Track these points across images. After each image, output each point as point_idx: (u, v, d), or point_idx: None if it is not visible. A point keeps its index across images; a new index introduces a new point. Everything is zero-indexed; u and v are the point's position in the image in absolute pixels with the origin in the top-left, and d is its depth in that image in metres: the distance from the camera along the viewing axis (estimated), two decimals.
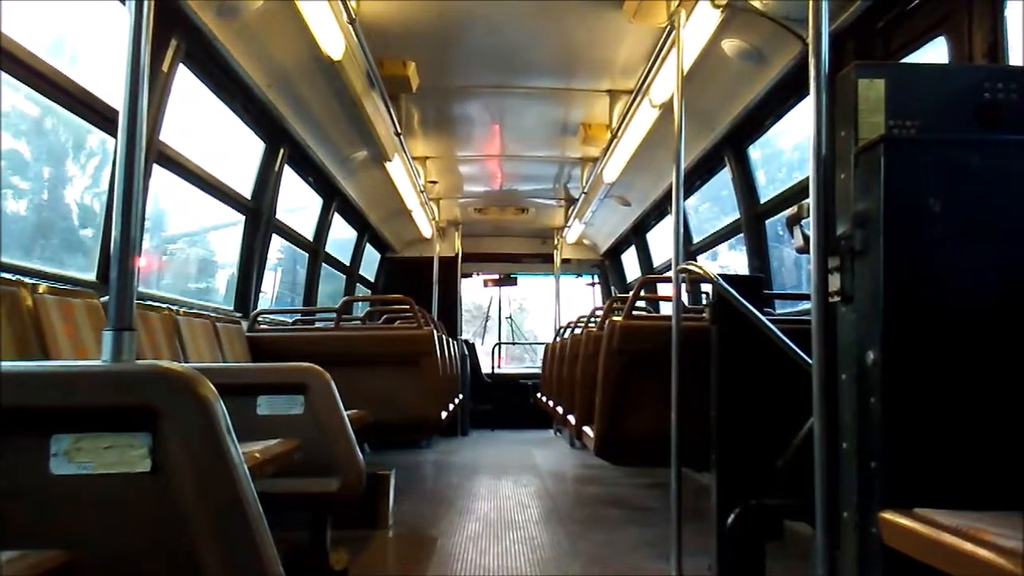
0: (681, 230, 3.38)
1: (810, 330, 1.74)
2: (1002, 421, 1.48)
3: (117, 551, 1.38)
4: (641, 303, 5.29)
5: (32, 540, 1.34)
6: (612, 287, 10.97)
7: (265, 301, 6.50)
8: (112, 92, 3.39)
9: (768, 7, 3.85)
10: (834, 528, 1.63)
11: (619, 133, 5.86)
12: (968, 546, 1.20)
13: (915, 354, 1.49)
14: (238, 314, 5.33)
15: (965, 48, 2.90)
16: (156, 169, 4.00)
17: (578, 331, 5.66)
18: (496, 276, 11.67)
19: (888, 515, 1.43)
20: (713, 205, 7.59)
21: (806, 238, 1.77)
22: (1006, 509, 1.37)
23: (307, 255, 7.36)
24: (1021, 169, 1.56)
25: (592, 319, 5.75)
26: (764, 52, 4.30)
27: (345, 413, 2.96)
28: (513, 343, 12.87)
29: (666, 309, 7.21)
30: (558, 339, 7.15)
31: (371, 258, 10.20)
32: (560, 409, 5.96)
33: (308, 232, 7.20)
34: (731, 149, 5.62)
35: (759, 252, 5.60)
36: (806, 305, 4.68)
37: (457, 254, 10.83)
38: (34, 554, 1.30)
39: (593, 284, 11.68)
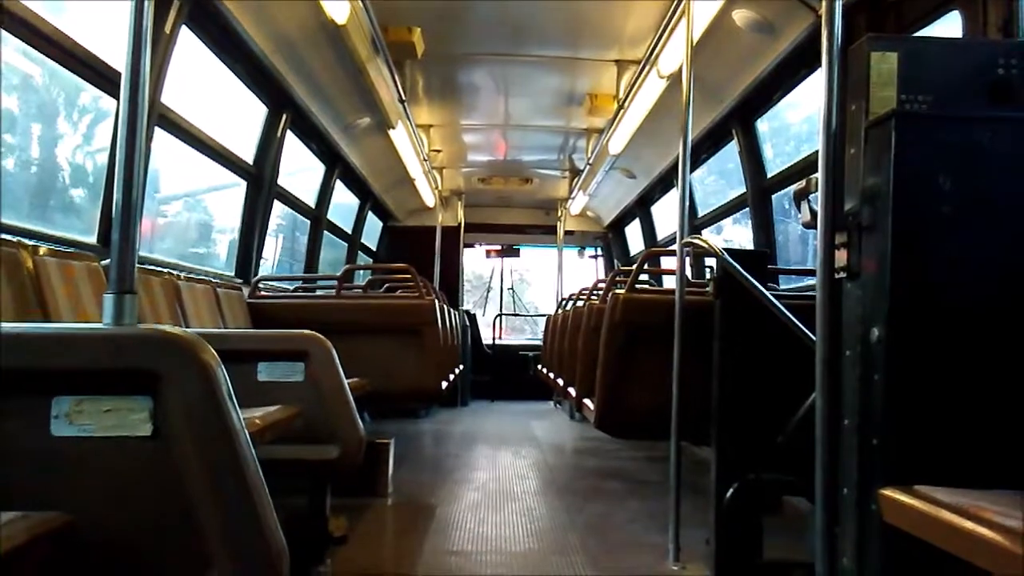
0: (687, 203, 3.36)
1: (814, 306, 1.73)
2: (1005, 401, 1.48)
3: (117, 514, 1.39)
4: (644, 276, 5.28)
5: (32, 502, 1.34)
6: (615, 260, 10.95)
7: (265, 268, 6.49)
8: (112, 51, 3.36)
9: None
10: (833, 504, 1.64)
11: (626, 104, 5.80)
12: (968, 524, 1.20)
13: (920, 332, 1.48)
14: (239, 280, 5.33)
15: (979, 22, 2.85)
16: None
17: (580, 303, 5.66)
18: (499, 247, 11.64)
19: (888, 492, 1.43)
20: (719, 178, 7.54)
21: (813, 213, 1.76)
22: (1007, 488, 1.37)
23: (308, 222, 7.34)
24: None
25: (595, 292, 5.74)
26: (775, 23, 4.25)
27: (346, 381, 2.96)
28: (515, 315, 12.88)
29: (669, 283, 7.20)
30: (560, 311, 7.15)
31: (373, 226, 10.17)
32: (561, 381, 5.97)
33: (307, 198, 7.17)
34: (739, 122, 5.57)
35: (765, 227, 5.58)
36: (811, 281, 4.67)
37: (460, 224, 10.79)
38: (34, 515, 1.30)
39: (596, 256, 11.66)
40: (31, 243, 2.75)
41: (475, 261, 12.29)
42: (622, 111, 5.96)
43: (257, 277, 5.42)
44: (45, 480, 1.38)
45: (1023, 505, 1.23)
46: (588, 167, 8.11)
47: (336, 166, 7.38)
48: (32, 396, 1.38)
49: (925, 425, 1.47)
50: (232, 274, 5.43)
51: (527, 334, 12.89)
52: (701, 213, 7.19)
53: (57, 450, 1.38)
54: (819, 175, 1.72)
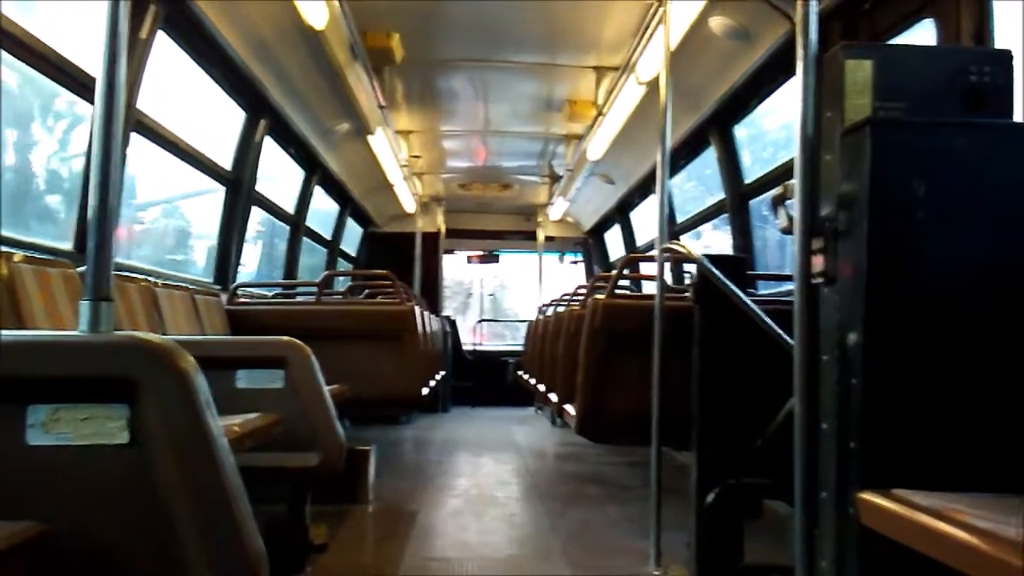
0: (666, 209, 3.38)
1: (792, 311, 1.74)
2: (981, 404, 1.49)
3: (94, 523, 1.37)
4: (624, 282, 5.30)
5: (8, 511, 1.33)
6: (595, 265, 10.97)
7: (244, 275, 6.45)
8: (87, 56, 3.32)
9: None
10: (812, 508, 1.64)
11: (604, 110, 5.83)
12: (944, 526, 1.21)
13: (897, 336, 1.50)
14: (217, 287, 5.29)
15: (952, 30, 2.89)
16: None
17: (561, 309, 5.67)
18: (479, 253, 11.63)
19: (866, 495, 1.44)
20: (698, 184, 7.59)
21: (790, 219, 1.77)
22: (983, 491, 1.38)
23: (287, 228, 7.30)
24: (1005, 152, 1.56)
25: (575, 297, 5.75)
26: (751, 31, 4.29)
27: (326, 388, 2.95)
28: (495, 320, 12.87)
29: (649, 288, 7.22)
30: (540, 317, 7.15)
31: (353, 233, 10.13)
32: (542, 387, 5.98)
33: (286, 204, 7.13)
34: (716, 128, 5.61)
35: (743, 232, 5.62)
36: (789, 286, 4.69)
37: (439, 230, 10.77)
38: (10, 525, 1.28)
39: (576, 262, 11.68)
40: (5, 250, 2.71)
41: (456, 267, 12.27)
42: (601, 117, 5.99)
43: (236, 283, 5.38)
44: (21, 489, 1.37)
45: (999, 508, 1.24)
46: (568, 173, 8.12)
47: (315, 172, 7.34)
48: (7, 405, 1.37)
49: (903, 429, 1.48)
50: (210, 281, 5.39)
51: (508, 340, 12.89)
52: (680, 219, 7.23)
53: (33, 459, 1.36)
54: (796, 181, 1.73)
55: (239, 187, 5.48)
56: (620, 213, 9.32)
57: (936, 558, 1.22)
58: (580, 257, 11.61)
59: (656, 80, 3.95)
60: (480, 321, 11.87)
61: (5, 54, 3.03)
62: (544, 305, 7.85)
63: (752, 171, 5.60)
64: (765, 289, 5.24)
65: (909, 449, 1.48)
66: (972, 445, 1.48)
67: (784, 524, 1.86)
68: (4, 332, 1.44)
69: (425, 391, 5.54)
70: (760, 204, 5.52)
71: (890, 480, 1.44)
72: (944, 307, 1.51)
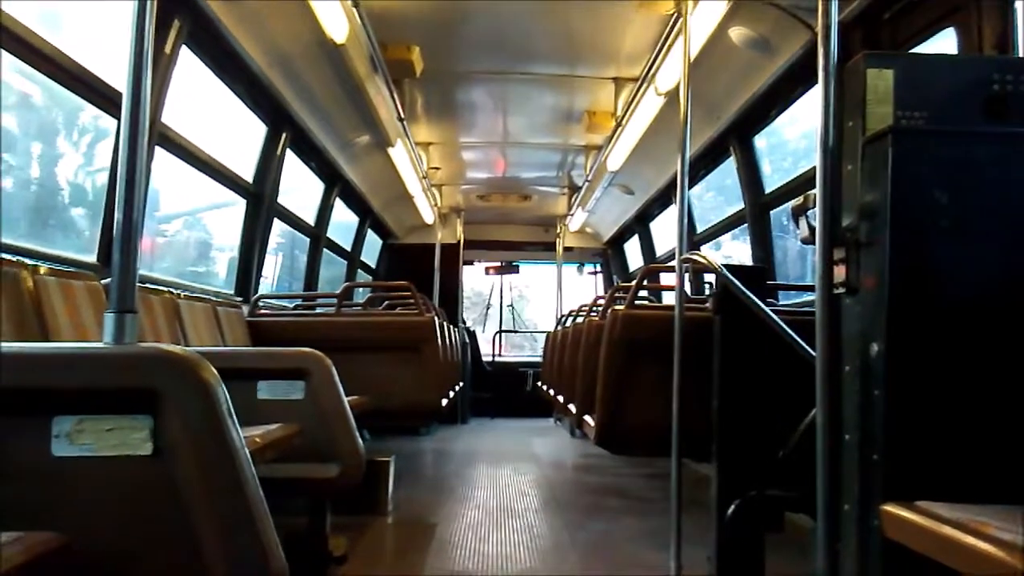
0: (685, 219, 3.37)
1: (814, 321, 1.73)
2: (1005, 415, 1.48)
3: (117, 533, 1.38)
4: (643, 292, 5.29)
5: (32, 522, 1.34)
6: (614, 276, 10.96)
7: (265, 286, 6.49)
8: (111, 70, 3.38)
9: None
10: (835, 520, 1.63)
11: (624, 121, 5.83)
12: (969, 539, 1.20)
13: (919, 347, 1.48)
14: (239, 298, 5.33)
15: (974, 39, 2.87)
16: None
17: (580, 320, 5.66)
18: (498, 264, 11.65)
19: (889, 507, 1.42)
20: (718, 194, 7.57)
21: (812, 229, 1.76)
22: (1008, 503, 1.36)
23: (307, 240, 7.35)
24: None
25: (594, 308, 5.74)
26: (771, 41, 4.28)
27: (345, 399, 2.96)
28: (514, 331, 12.87)
29: (669, 299, 7.20)
30: (559, 328, 7.14)
31: (372, 244, 10.18)
32: (561, 398, 5.96)
33: (307, 216, 7.18)
34: (736, 138, 5.60)
35: (763, 242, 5.59)
36: (810, 296, 4.67)
37: (459, 241, 10.80)
38: (33, 535, 1.29)
39: (596, 273, 11.67)
40: (31, 262, 2.75)
41: (474, 278, 12.30)
42: (620, 128, 5.99)
43: (257, 295, 5.42)
44: (46, 500, 1.38)
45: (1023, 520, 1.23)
46: (587, 184, 8.13)
47: (336, 184, 7.39)
48: (33, 416, 1.38)
49: (926, 440, 1.47)
50: (232, 292, 5.44)
51: (527, 351, 12.89)
52: (700, 229, 7.21)
53: (58, 470, 1.37)
54: (817, 191, 1.73)
55: (261, 200, 5.53)
56: (639, 223, 9.30)
57: (961, 571, 1.20)
58: (599, 268, 11.59)
59: (675, 91, 3.95)
60: (499, 332, 11.86)
61: (35, 71, 3.09)
62: (563, 316, 7.84)
63: (772, 181, 5.58)
64: (786, 299, 5.21)
65: (933, 460, 1.46)
66: (997, 456, 1.47)
67: (806, 537, 1.84)
68: (30, 344, 1.46)
69: (444, 402, 5.54)
70: (780, 214, 5.50)
71: (914, 492, 1.42)
72: (967, 317, 1.50)
